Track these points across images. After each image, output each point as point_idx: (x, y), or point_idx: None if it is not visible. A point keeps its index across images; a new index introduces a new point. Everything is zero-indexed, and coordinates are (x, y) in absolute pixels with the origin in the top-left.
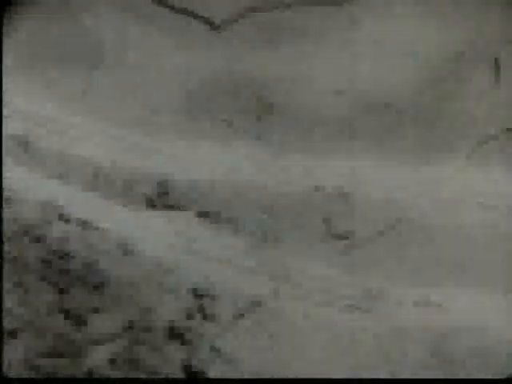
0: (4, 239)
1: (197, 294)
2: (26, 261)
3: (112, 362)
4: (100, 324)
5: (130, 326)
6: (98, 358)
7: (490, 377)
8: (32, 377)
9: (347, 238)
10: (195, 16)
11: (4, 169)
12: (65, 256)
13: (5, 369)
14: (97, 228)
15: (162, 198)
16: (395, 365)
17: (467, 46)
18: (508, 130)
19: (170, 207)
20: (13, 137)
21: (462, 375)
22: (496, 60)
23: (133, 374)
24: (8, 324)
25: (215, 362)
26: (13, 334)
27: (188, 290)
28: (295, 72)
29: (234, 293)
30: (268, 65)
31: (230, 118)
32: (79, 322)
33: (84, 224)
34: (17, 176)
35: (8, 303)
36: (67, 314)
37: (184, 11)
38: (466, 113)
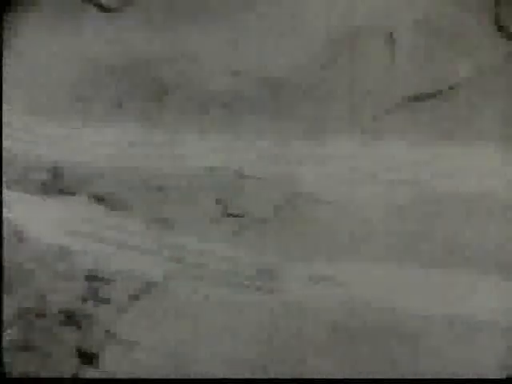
0: None
1: (91, 277)
2: None
3: (6, 349)
4: None
5: (23, 313)
6: None
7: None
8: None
9: (242, 216)
10: None
11: None
12: None
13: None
14: None
15: (55, 183)
16: (292, 341)
17: (363, 21)
18: (399, 104)
19: (64, 192)
20: None
21: (363, 351)
22: (391, 35)
23: (27, 360)
24: None
25: (109, 344)
26: None
27: (82, 273)
28: (189, 53)
29: (129, 275)
30: (161, 46)
31: (121, 100)
32: None
33: None
34: None
35: None
36: None
37: None
38: (362, 88)
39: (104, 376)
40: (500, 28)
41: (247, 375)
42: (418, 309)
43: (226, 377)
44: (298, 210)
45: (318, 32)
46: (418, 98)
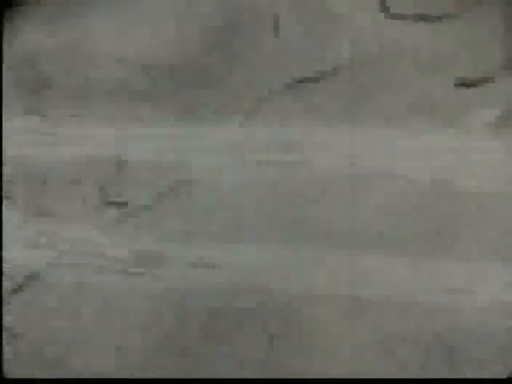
0: None
1: None
2: None
3: None
4: None
5: None
6: None
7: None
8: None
9: (124, 204)
10: None
11: None
12: None
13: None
14: None
15: None
16: (170, 326)
17: (247, 4)
18: (284, 86)
19: None
20: None
21: (244, 334)
22: (275, 15)
23: None
24: None
25: None
26: None
27: None
28: (72, 42)
29: (11, 267)
30: (44, 38)
31: (4, 93)
32: None
33: None
34: None
35: None
36: None
37: None
38: (247, 71)
39: None
40: (384, 8)
41: (131, 363)
42: (298, 290)
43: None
44: (181, 197)
45: (202, 17)
46: (302, 81)
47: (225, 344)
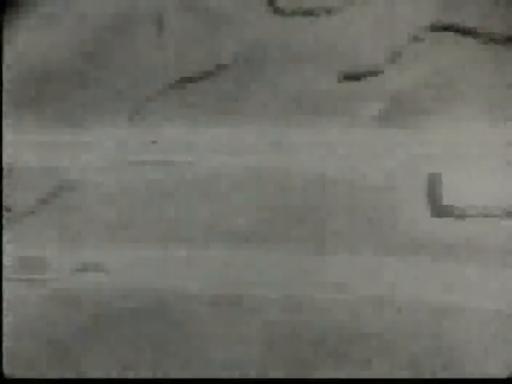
0: None
1: None
2: None
3: None
4: None
5: None
6: None
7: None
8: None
9: (7, 210)
10: None
11: None
12: None
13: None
14: None
15: None
16: (56, 329)
17: (131, 3)
18: (170, 85)
19: None
20: None
21: (129, 334)
22: (160, 16)
23: None
24: None
25: None
26: None
27: None
28: None
29: None
30: None
31: None
32: None
33: None
34: None
35: None
36: None
37: None
38: (131, 71)
39: None
40: (275, 8)
41: (22, 365)
42: (183, 289)
43: None
44: (65, 201)
45: (85, 18)
46: (185, 80)
47: (106, 345)
